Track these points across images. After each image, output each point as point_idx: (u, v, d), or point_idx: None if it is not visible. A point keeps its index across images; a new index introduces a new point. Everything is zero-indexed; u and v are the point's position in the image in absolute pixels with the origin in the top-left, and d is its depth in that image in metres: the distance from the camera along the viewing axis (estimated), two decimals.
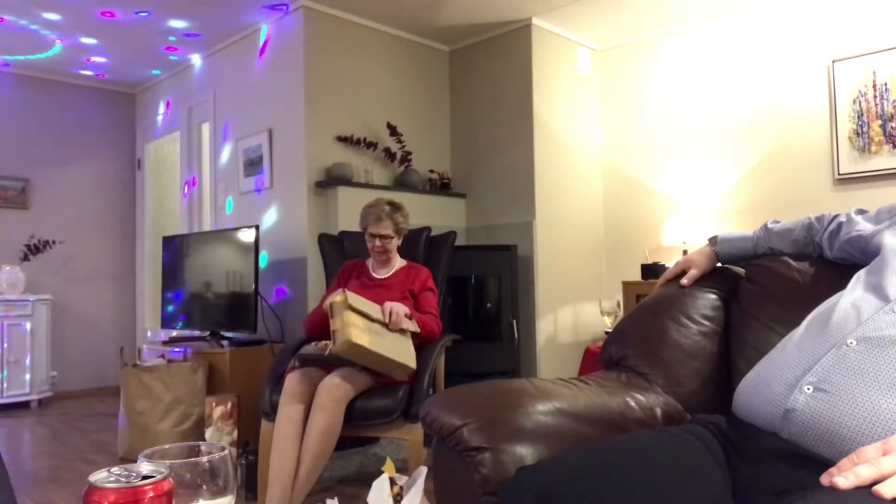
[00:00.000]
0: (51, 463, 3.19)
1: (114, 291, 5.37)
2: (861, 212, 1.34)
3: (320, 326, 2.62)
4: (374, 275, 2.74)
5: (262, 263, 3.91)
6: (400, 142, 4.03)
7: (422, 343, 2.60)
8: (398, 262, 2.77)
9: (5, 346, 4.44)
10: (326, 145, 3.80)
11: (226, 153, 4.37)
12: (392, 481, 1.11)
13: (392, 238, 2.67)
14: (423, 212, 4.05)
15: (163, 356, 3.57)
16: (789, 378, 0.97)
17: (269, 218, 3.95)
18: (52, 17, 3.90)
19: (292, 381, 2.31)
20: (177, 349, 3.57)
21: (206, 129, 4.66)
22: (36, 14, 3.86)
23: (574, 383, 1.31)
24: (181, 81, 4.89)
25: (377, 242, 2.66)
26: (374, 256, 2.73)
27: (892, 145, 3.34)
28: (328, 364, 2.38)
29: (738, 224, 3.81)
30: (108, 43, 4.38)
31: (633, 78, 4.34)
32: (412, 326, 2.47)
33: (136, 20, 3.98)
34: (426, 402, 1.22)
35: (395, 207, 2.69)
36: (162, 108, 5.14)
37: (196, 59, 4.66)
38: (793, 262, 1.41)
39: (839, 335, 0.97)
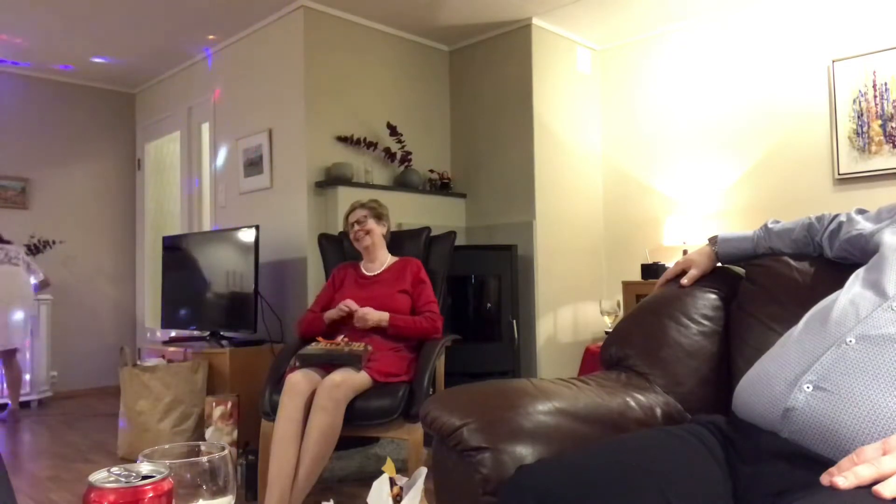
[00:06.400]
0: (51, 463, 3.19)
1: (114, 291, 5.37)
2: (861, 211, 1.34)
3: (314, 330, 2.65)
4: (365, 272, 2.77)
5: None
6: (400, 142, 4.03)
7: (423, 341, 2.60)
8: (388, 258, 2.79)
9: None
10: (326, 145, 3.80)
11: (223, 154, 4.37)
12: (392, 481, 1.11)
13: (368, 219, 2.73)
14: (423, 212, 4.05)
15: (163, 356, 3.57)
16: (789, 377, 0.97)
17: (270, 218, 3.95)
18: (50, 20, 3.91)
19: (292, 381, 2.31)
20: (177, 349, 3.57)
21: (205, 129, 4.66)
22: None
23: (574, 383, 1.31)
24: (182, 81, 4.89)
25: (356, 227, 2.74)
26: (358, 245, 2.77)
27: (892, 145, 3.34)
28: (328, 364, 2.38)
29: (738, 224, 3.81)
30: (109, 43, 4.38)
31: (633, 78, 4.34)
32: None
33: (137, 21, 3.98)
34: (426, 402, 1.22)
35: (370, 199, 2.85)
36: (162, 109, 5.14)
37: (196, 59, 4.66)
38: (793, 262, 1.41)
39: (838, 333, 0.97)
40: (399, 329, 2.54)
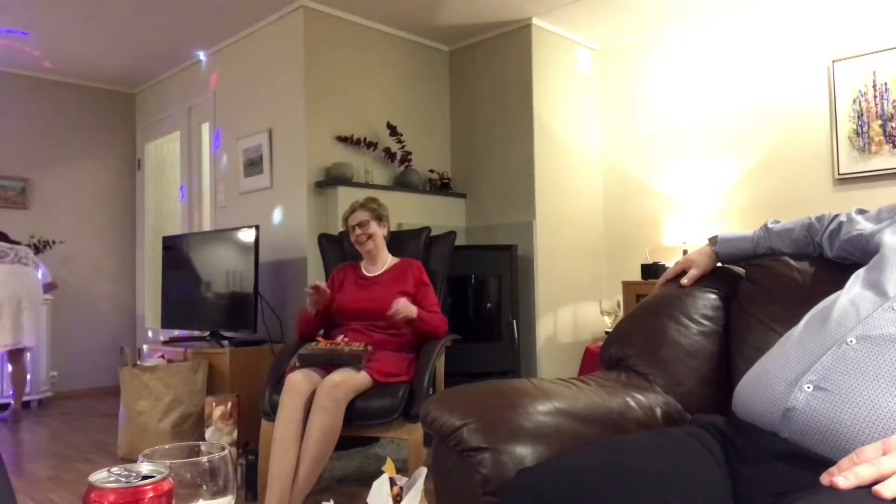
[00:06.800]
0: (51, 463, 3.19)
1: (114, 291, 5.37)
2: (861, 211, 1.34)
3: (308, 327, 2.66)
4: (366, 273, 2.76)
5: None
6: (400, 142, 4.03)
7: (425, 340, 2.60)
8: (389, 259, 2.79)
9: None
10: (326, 145, 3.80)
11: (223, 157, 4.37)
12: (392, 481, 1.12)
13: (370, 222, 2.71)
14: (423, 212, 4.05)
15: (163, 356, 3.57)
16: (789, 377, 0.97)
17: (270, 218, 3.95)
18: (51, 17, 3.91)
19: (292, 381, 2.31)
20: (177, 349, 3.57)
21: (205, 129, 4.66)
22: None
23: (574, 383, 1.31)
24: (181, 81, 4.89)
25: (358, 231, 2.72)
26: (360, 249, 2.77)
27: (892, 145, 3.34)
28: (328, 364, 2.38)
29: (738, 224, 3.81)
30: (109, 43, 4.38)
31: (633, 78, 4.34)
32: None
33: (137, 21, 3.98)
34: (426, 402, 1.22)
35: (369, 199, 2.81)
36: (162, 109, 5.14)
37: (196, 59, 4.66)
38: (793, 262, 1.41)
39: (839, 333, 0.97)
40: (424, 323, 2.56)
